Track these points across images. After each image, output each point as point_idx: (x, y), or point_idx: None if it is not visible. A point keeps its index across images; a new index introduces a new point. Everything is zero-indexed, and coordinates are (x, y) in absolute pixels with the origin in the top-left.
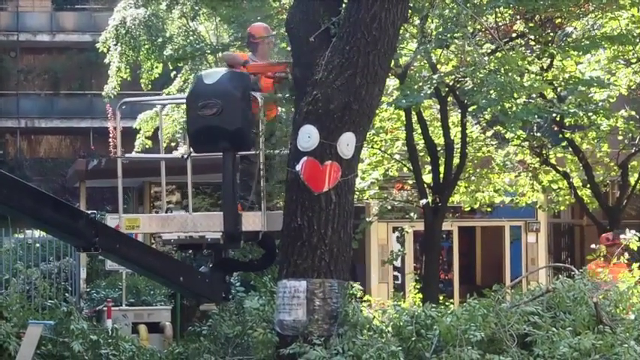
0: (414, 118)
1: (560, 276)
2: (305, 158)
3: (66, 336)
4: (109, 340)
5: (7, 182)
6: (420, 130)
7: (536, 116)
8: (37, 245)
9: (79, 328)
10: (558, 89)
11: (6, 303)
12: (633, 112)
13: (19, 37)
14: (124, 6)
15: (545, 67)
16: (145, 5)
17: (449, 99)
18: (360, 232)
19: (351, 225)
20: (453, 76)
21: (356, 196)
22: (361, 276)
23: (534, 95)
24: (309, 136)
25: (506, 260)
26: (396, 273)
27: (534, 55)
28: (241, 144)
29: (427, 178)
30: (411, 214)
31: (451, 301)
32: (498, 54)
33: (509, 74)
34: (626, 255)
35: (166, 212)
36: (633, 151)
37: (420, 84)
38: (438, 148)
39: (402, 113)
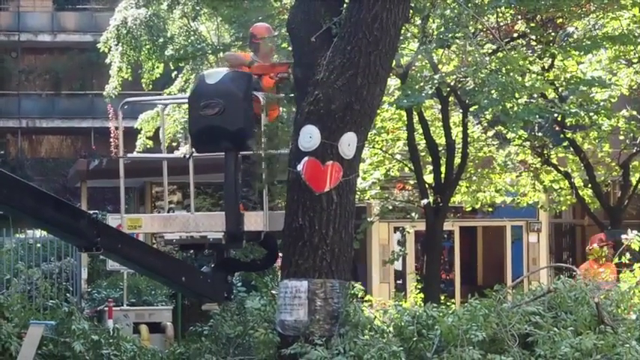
0: (416, 118)
1: (561, 276)
2: (306, 158)
3: (67, 336)
4: (110, 341)
5: (9, 182)
6: (421, 130)
7: (537, 116)
8: (38, 245)
9: (81, 328)
10: (559, 89)
11: (7, 303)
12: (634, 112)
13: (20, 37)
14: (125, 6)
15: (546, 67)
16: (146, 5)
17: (450, 99)
18: (361, 232)
19: (353, 225)
20: (455, 76)
21: (357, 196)
22: (362, 276)
23: (535, 95)
24: (310, 136)
25: (508, 260)
26: (398, 267)
27: (535, 55)
28: (243, 144)
29: (428, 178)
30: (413, 214)
31: (452, 301)
32: (500, 54)
33: (511, 74)
34: (628, 255)
35: (168, 212)
36: (635, 151)
37: (422, 84)
38: (440, 148)
39: (404, 113)
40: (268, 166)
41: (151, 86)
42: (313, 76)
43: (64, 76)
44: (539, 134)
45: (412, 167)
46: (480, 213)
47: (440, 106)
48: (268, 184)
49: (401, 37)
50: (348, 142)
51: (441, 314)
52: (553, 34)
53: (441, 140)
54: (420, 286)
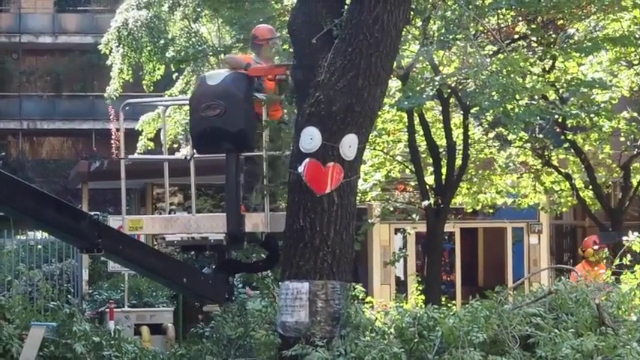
0: (416, 120)
1: (562, 277)
2: (307, 160)
3: (68, 337)
4: (112, 342)
5: (10, 183)
6: (422, 132)
7: (538, 118)
8: (39, 247)
9: (82, 329)
10: (560, 91)
11: (8, 305)
12: (635, 114)
13: (21, 39)
14: (126, 8)
15: (547, 69)
16: (147, 7)
17: (451, 100)
18: (362, 234)
19: (354, 226)
20: (455, 78)
21: (358, 198)
22: (363, 277)
23: (536, 97)
24: (311, 138)
25: (509, 262)
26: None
27: (536, 56)
28: (244, 145)
29: (429, 179)
30: (413, 216)
31: (453, 302)
32: (500, 55)
33: (512, 76)
34: (629, 257)
35: (169, 214)
36: (635, 152)
37: (422, 86)
38: (440, 150)
39: (404, 115)
40: (271, 167)
41: (152, 88)
42: (314, 77)
43: (65, 77)
44: (540, 136)
45: (413, 169)
46: (481, 214)
47: (441, 108)
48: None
49: (402, 39)
50: (349, 144)
51: (441, 316)
52: (554, 35)
53: (441, 142)
54: (420, 288)
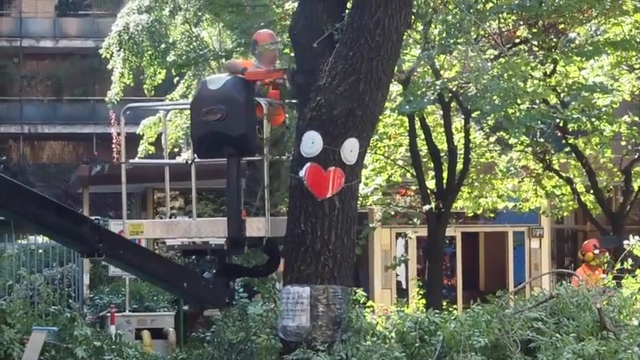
0: (418, 124)
1: (563, 282)
2: (308, 164)
3: (69, 342)
4: (113, 346)
5: (10, 187)
6: (423, 136)
7: (539, 122)
8: (40, 251)
9: (83, 334)
10: (561, 95)
11: (9, 309)
12: (636, 118)
13: (22, 43)
14: (127, 12)
15: (548, 73)
16: (148, 11)
17: (452, 105)
18: (363, 238)
19: (355, 231)
20: (457, 82)
21: (359, 202)
22: (364, 282)
23: (537, 101)
24: (312, 142)
25: (510, 266)
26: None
27: (537, 60)
28: (245, 150)
29: (430, 183)
30: (415, 220)
31: (454, 306)
32: (501, 60)
33: (513, 80)
34: (630, 261)
35: (170, 218)
36: (637, 156)
37: (424, 90)
38: (442, 154)
39: (406, 119)
40: (275, 172)
41: (153, 92)
42: (315, 82)
43: (65, 81)
44: (541, 140)
45: (414, 173)
46: (482, 219)
47: (442, 112)
48: (271, 190)
49: (403, 43)
50: (350, 148)
51: (443, 320)
52: (555, 39)
53: (443, 146)
54: (422, 292)
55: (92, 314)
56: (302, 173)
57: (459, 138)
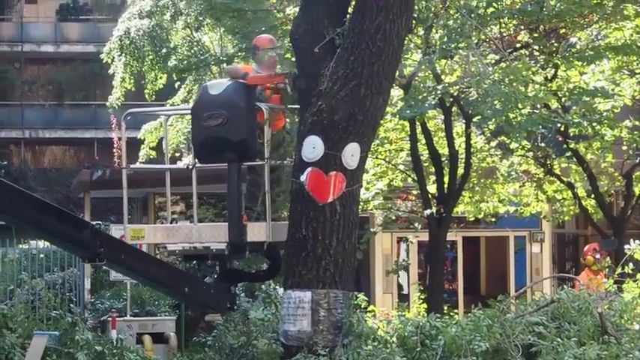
0: (419, 129)
1: (564, 286)
2: (310, 169)
3: (71, 347)
4: (114, 351)
5: (12, 192)
6: (424, 141)
7: (540, 126)
8: (42, 256)
9: (84, 338)
10: (562, 99)
11: (11, 314)
12: (637, 123)
13: (23, 48)
14: (129, 17)
15: (549, 78)
16: (150, 16)
17: (453, 109)
18: (364, 243)
19: (356, 235)
20: (458, 87)
21: (360, 207)
22: (366, 286)
23: (539, 105)
24: (313, 147)
25: (511, 270)
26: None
27: (538, 65)
28: (246, 155)
29: (431, 188)
30: (416, 225)
31: (456, 311)
32: (503, 64)
33: (514, 84)
34: (631, 265)
35: (171, 223)
36: (638, 161)
37: (425, 94)
38: (443, 159)
39: (407, 124)
40: (274, 176)
41: (154, 97)
42: (316, 86)
43: (67, 86)
44: (542, 144)
45: (415, 177)
46: (483, 223)
47: (443, 117)
48: (272, 195)
49: (404, 48)
50: (351, 153)
51: (444, 324)
52: (556, 44)
53: (444, 150)
54: (423, 297)
55: (93, 319)
56: (303, 178)
57: (460, 142)
